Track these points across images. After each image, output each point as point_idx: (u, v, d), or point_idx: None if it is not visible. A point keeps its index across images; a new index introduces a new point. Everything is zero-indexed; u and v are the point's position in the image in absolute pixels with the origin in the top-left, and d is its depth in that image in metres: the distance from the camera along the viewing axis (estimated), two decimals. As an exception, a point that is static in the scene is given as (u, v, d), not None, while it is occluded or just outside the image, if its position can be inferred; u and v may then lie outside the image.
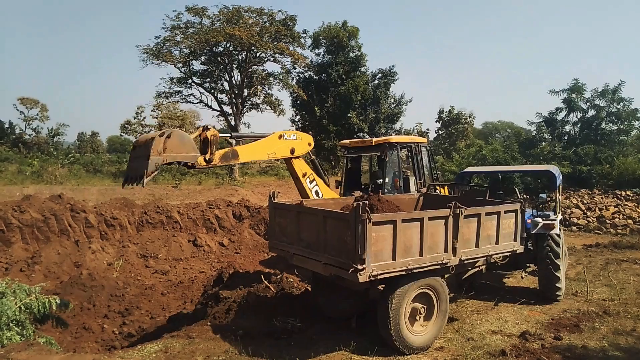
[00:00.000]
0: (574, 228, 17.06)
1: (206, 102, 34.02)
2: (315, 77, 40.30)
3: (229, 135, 8.69)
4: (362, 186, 10.48)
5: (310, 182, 8.39)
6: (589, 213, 17.84)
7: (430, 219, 5.66)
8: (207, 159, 6.81)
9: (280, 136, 7.88)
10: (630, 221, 16.74)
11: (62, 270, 9.66)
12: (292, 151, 8.09)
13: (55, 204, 11.51)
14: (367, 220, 4.95)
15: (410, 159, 10.16)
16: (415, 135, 30.55)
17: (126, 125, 53.27)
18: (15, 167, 30.07)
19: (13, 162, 32.88)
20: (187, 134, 6.61)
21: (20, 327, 5.01)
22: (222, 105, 34.20)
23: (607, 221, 17.04)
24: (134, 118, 52.28)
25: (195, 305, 7.79)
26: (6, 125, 55.67)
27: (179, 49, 31.24)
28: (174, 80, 33.22)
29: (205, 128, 6.86)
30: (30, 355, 4.41)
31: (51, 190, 18.68)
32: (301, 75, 40.01)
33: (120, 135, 61.23)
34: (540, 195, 9.32)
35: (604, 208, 17.86)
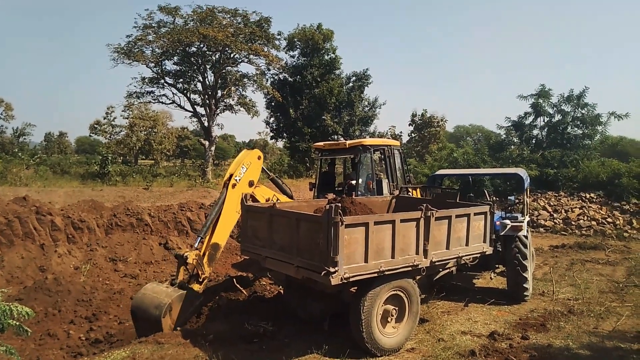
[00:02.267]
0: (541, 229, 17.54)
1: (179, 103, 33.45)
2: (290, 79, 40.21)
3: None
4: (336, 188, 10.52)
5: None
6: (555, 215, 18.36)
7: (402, 221, 5.72)
8: (201, 281, 6.98)
9: (234, 185, 7.59)
10: (594, 222, 17.32)
11: (26, 275, 9.32)
12: (251, 183, 7.93)
13: (19, 207, 11.10)
14: (340, 223, 4.97)
15: (383, 162, 10.26)
16: (389, 138, 30.87)
17: (96, 126, 52.12)
18: (-24, 168, 28.89)
19: (-26, 163, 31.60)
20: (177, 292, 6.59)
21: (-21, 336, 4.80)
22: (195, 107, 33.70)
23: (573, 223, 17.58)
24: (104, 118, 51.29)
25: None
26: (-32, 124, 53.59)
27: (151, 49, 30.61)
28: (146, 80, 32.54)
29: (184, 259, 6.80)
30: (-11, 364, 4.23)
31: (15, 192, 18.00)
32: (276, 77, 39.88)
33: (90, 135, 59.88)
34: (509, 197, 9.54)
35: (570, 210, 18.42)
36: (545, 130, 24.05)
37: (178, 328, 6.26)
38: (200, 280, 6.93)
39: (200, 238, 7.23)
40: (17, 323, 5.23)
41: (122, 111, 47.45)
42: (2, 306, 5.12)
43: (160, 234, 12.48)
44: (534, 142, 24.42)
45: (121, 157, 48.29)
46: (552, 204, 19.20)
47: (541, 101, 23.56)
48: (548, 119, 23.91)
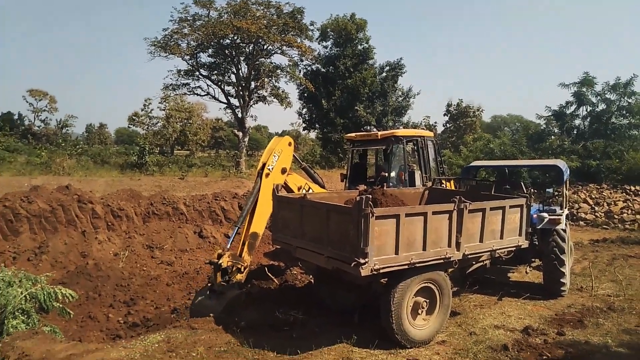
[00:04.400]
0: (582, 223, 16.93)
1: (213, 95, 34.07)
2: (322, 69, 40.17)
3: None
4: (368, 180, 10.46)
5: (307, 191, 8.37)
6: (597, 208, 17.68)
7: (434, 213, 5.64)
8: (242, 271, 7.08)
9: (267, 174, 7.65)
10: (639, 216, 16.57)
11: (69, 260, 9.75)
12: (284, 171, 7.96)
13: (62, 195, 11.59)
14: (370, 214, 4.94)
15: (416, 153, 10.11)
16: (423, 129, 30.43)
17: (134, 117, 53.65)
18: (24, 158, 30.34)
19: (22, 153, 33.19)
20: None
21: (26, 316, 5.07)
22: (229, 98, 34.23)
23: (615, 216, 16.88)
24: (142, 110, 52.73)
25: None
26: (15, 117, 56.27)
27: (186, 42, 31.25)
28: (182, 73, 33.25)
29: (219, 266, 6.80)
30: (35, 343, 4.48)
31: (59, 181, 18.82)
32: (308, 68, 39.93)
33: (128, 127, 61.91)
34: (547, 189, 9.23)
35: (613, 203, 17.69)
36: (588, 120, 23.13)
37: (210, 314, 6.40)
38: (242, 270, 7.04)
39: (232, 236, 7.39)
40: (61, 305, 5.51)
41: (159, 103, 48.73)
42: (48, 289, 5.41)
43: (195, 223, 12.78)
44: (575, 132, 23.55)
45: (158, 148, 49.59)
46: (593, 196, 18.49)
47: (584, 90, 22.64)
48: (591, 108, 22.97)
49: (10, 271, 5.34)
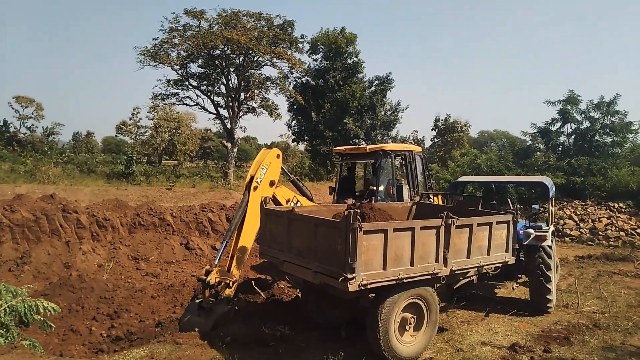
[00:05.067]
0: (567, 239, 17.10)
1: (202, 105, 33.92)
2: (312, 82, 40.36)
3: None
4: (356, 193, 10.47)
5: (295, 204, 8.37)
6: (581, 224, 17.89)
7: (422, 228, 5.66)
8: (231, 286, 7.08)
9: (255, 187, 7.63)
10: (622, 233, 16.80)
11: (52, 271, 9.56)
12: (272, 183, 7.94)
13: (47, 204, 11.40)
14: (358, 229, 4.94)
15: (404, 167, 10.17)
16: (411, 143, 30.67)
17: (122, 126, 53.16)
18: (8, 166, 29.82)
19: (6, 161, 32.67)
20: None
21: (5, 330, 4.93)
22: (219, 109, 34.11)
23: (600, 233, 17.09)
24: (130, 119, 52.29)
25: (184, 310, 7.72)
26: (0, 124, 55.42)
27: (176, 52, 31.16)
28: (171, 82, 33.11)
29: (207, 284, 6.75)
30: (14, 358, 4.35)
31: (44, 189, 18.54)
32: (298, 80, 40.08)
33: (116, 135, 61.16)
34: (533, 206, 9.34)
35: (597, 219, 17.92)
36: (573, 137, 23.50)
37: (195, 329, 6.30)
38: (231, 285, 6.99)
39: (221, 251, 7.33)
40: (42, 318, 5.37)
41: (148, 112, 48.45)
42: (28, 301, 5.27)
43: (181, 234, 12.64)
44: (560, 149, 23.90)
45: (146, 157, 49.19)
46: (578, 213, 18.72)
47: (569, 107, 23.04)
48: (576, 125, 23.37)
49: (-10, 283, 5.20)
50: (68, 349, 6.68)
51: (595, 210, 18.81)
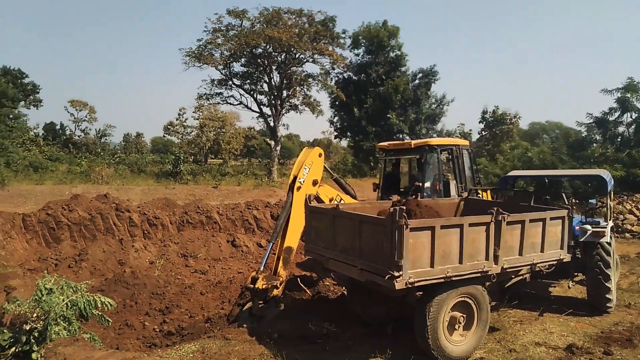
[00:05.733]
0: (628, 235, 16.13)
1: (246, 104, 34.57)
2: (354, 77, 40.17)
3: None
4: (401, 190, 10.30)
5: (338, 202, 8.34)
6: (643, 219, 16.83)
7: (471, 225, 5.48)
8: (279, 286, 7.08)
9: (298, 188, 7.63)
10: (689, 228, 15.67)
11: (107, 268, 10.02)
12: (315, 182, 7.91)
13: (101, 203, 11.97)
14: (404, 226, 4.85)
15: (451, 162, 9.91)
16: (457, 137, 29.91)
17: (169, 127, 55.00)
18: (65, 167, 31.60)
19: (63, 162, 34.58)
20: None
21: (67, 323, 5.21)
22: (262, 107, 34.65)
23: (664, 228, 16.01)
24: (176, 119, 54.03)
25: (232, 306, 7.89)
26: (57, 127, 58.72)
27: (219, 52, 31.88)
28: (215, 82, 33.93)
29: (255, 291, 6.85)
30: (75, 350, 4.58)
31: (98, 189, 19.48)
32: (340, 76, 40.01)
33: (164, 136, 63.41)
34: (590, 200, 8.85)
35: (661, 214, 16.81)
36: (633, 127, 22.15)
37: (244, 325, 6.41)
38: (278, 286, 7.06)
39: (267, 254, 7.42)
40: (100, 313, 5.63)
41: (193, 112, 49.86)
42: (87, 297, 5.54)
43: (228, 232, 12.92)
44: (619, 140, 22.60)
45: (192, 157, 50.64)
46: None
47: (629, 95, 21.71)
48: (636, 114, 21.99)
49: (52, 278, 5.50)
50: (124, 342, 6.98)
51: (658, 204, 17.65)
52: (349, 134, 42.61)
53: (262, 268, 7.24)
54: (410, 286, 5.01)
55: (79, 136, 57.12)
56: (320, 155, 8.08)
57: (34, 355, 4.72)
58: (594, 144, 23.18)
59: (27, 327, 4.92)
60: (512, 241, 5.93)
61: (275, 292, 6.98)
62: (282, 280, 7.16)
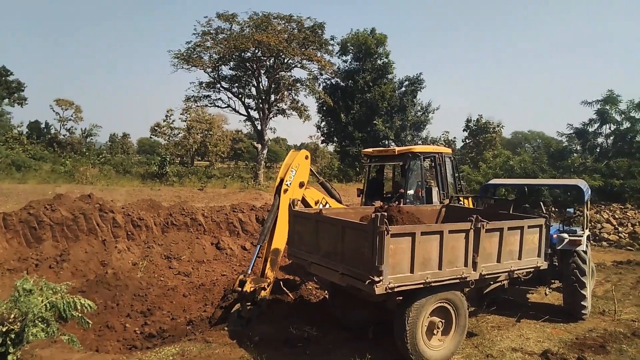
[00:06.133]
0: (604, 243, 16.49)
1: (234, 107, 34.49)
2: (342, 83, 40.39)
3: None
4: (385, 195, 10.43)
5: (323, 206, 8.42)
6: (620, 228, 17.22)
7: (451, 232, 5.59)
8: (266, 288, 7.16)
9: (285, 190, 7.70)
10: (664, 238, 16.08)
11: (89, 269, 9.92)
12: (302, 184, 7.98)
13: (84, 204, 11.85)
14: (385, 232, 4.93)
15: (433, 169, 10.07)
16: (442, 144, 30.26)
17: (156, 128, 54.63)
18: (49, 166, 31.11)
19: (47, 162, 34.03)
20: None
21: (46, 325, 5.18)
22: (249, 110, 34.60)
23: (640, 237, 16.40)
24: (164, 121, 53.68)
25: (214, 309, 7.89)
26: (42, 126, 57.86)
27: (208, 54, 31.79)
28: (203, 85, 33.83)
29: (243, 295, 6.86)
30: (53, 352, 4.57)
31: (82, 189, 19.26)
32: (328, 82, 40.19)
33: (150, 137, 62.92)
34: (568, 209, 9.07)
35: (637, 223, 17.20)
36: (612, 138, 22.69)
37: (225, 328, 6.43)
38: (266, 287, 7.13)
39: (254, 257, 7.49)
40: (80, 315, 5.61)
41: (181, 114, 49.51)
42: (67, 298, 5.52)
43: (212, 234, 12.89)
44: (598, 150, 23.10)
45: (179, 158, 50.34)
46: (617, 216, 18.03)
47: (608, 107, 22.24)
48: (615, 126, 22.54)
49: (32, 279, 5.47)
50: (103, 344, 6.94)
51: (635, 214, 18.07)
52: (335, 139, 42.80)
53: (249, 271, 7.28)
54: (390, 291, 5.09)
55: (64, 135, 56.33)
56: (306, 157, 8.16)
57: (9, 357, 4.69)
58: (574, 154, 23.67)
59: (4, 329, 4.87)
60: (491, 248, 6.06)
61: (263, 293, 7.03)
62: (269, 282, 7.21)
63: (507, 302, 8.54)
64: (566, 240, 7.75)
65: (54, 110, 55.32)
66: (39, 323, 5.10)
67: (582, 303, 7.67)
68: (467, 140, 43.13)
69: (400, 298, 5.66)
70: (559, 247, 7.78)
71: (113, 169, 33.59)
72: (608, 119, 22.39)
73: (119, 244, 10.95)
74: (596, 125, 23.07)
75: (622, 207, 18.86)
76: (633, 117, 21.87)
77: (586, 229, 8.43)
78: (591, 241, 15.91)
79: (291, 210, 6.76)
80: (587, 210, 8.74)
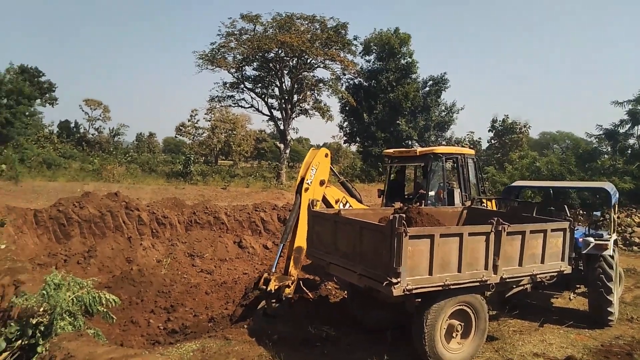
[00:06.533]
0: (635, 248, 15.96)
1: (257, 107, 34.81)
2: (365, 83, 40.24)
3: None
4: (405, 196, 10.37)
5: (344, 205, 8.43)
6: (652, 233, 16.65)
7: (471, 234, 5.55)
8: (290, 285, 7.21)
9: (306, 189, 7.75)
10: (699, 243, 15.48)
11: (115, 265, 10.20)
12: (322, 182, 8.02)
13: (111, 202, 12.17)
14: (404, 234, 4.93)
15: (456, 171, 9.96)
16: (466, 145, 29.82)
17: (181, 127, 55.57)
18: (77, 165, 32.06)
19: (76, 160, 35.07)
20: None
21: (72, 318, 5.35)
22: (272, 110, 34.87)
23: (673, 242, 15.83)
24: (188, 120, 54.58)
25: (236, 306, 8.00)
26: (72, 125, 59.57)
27: (232, 55, 32.18)
28: (227, 85, 34.26)
29: (268, 293, 6.97)
30: (79, 345, 4.71)
31: (109, 187, 19.75)
32: (351, 82, 40.08)
33: (175, 136, 64.03)
34: (594, 213, 8.83)
35: (669, 228, 16.61)
36: (644, 139, 21.97)
37: (245, 326, 6.53)
38: (290, 285, 7.21)
39: (278, 256, 7.60)
40: (105, 310, 5.78)
41: (205, 114, 50.25)
42: (93, 293, 5.68)
43: (235, 233, 13.06)
44: (629, 152, 22.38)
45: (203, 158, 51.10)
46: (648, 220, 17.43)
47: (640, 108, 21.56)
48: (648, 127, 21.83)
49: (60, 274, 5.65)
50: (128, 339, 7.13)
51: (668, 217, 17.45)
52: (358, 139, 42.66)
53: (273, 270, 7.38)
54: (407, 293, 5.08)
55: (92, 134, 58.00)
56: (326, 155, 8.20)
57: (39, 349, 4.86)
58: (604, 156, 23.01)
59: (34, 321, 5.06)
60: (512, 251, 5.98)
61: (287, 290, 7.11)
62: (293, 280, 7.29)
63: (530, 307, 8.39)
64: (592, 244, 7.56)
65: (83, 110, 57.18)
66: (67, 317, 5.26)
67: (609, 309, 7.48)
68: (492, 140, 42.43)
69: (419, 300, 5.64)
70: (584, 251, 7.59)
71: (139, 168, 34.35)
72: (640, 120, 21.71)
73: (144, 242, 11.22)
74: (627, 126, 22.37)
75: (654, 210, 18.24)
76: (666, 118, 21.14)
77: (614, 232, 8.21)
78: (620, 246, 15.45)
79: (310, 210, 6.81)
80: (615, 213, 8.51)
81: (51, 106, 52.86)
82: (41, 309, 5.18)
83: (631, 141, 22.53)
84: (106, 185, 22.05)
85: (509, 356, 6.16)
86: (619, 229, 15.62)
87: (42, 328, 5.04)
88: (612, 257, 7.59)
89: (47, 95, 50.87)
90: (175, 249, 11.38)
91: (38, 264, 9.61)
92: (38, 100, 47.43)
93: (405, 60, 40.00)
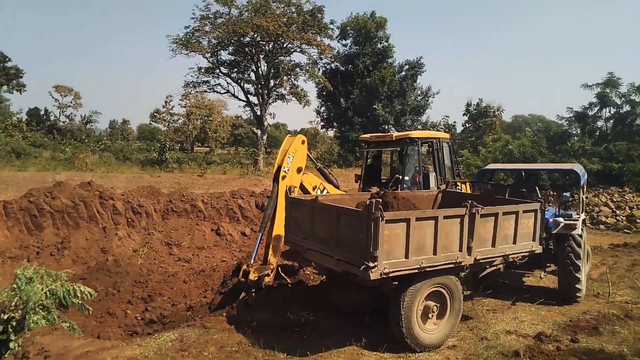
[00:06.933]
0: (602, 227, 16.56)
1: (233, 92, 34.39)
2: (341, 68, 40.13)
3: None
4: (382, 181, 10.46)
5: (321, 191, 8.46)
6: (618, 212, 17.30)
7: (445, 217, 5.64)
8: (270, 274, 7.24)
9: (283, 177, 7.72)
10: (662, 221, 16.16)
11: (90, 256, 10.03)
12: (299, 170, 8.00)
13: (84, 191, 11.92)
14: (380, 218, 4.98)
15: (431, 155, 10.09)
16: (442, 129, 30.17)
17: (155, 114, 54.48)
18: (48, 154, 31.15)
19: (47, 149, 34.09)
20: None
21: (46, 312, 5.27)
22: (249, 96, 34.50)
23: (638, 220, 16.48)
24: (163, 107, 53.53)
25: (214, 294, 7.99)
26: (42, 112, 57.73)
27: (207, 39, 31.59)
28: (202, 70, 33.69)
29: (249, 284, 6.99)
30: (54, 339, 4.65)
31: (82, 177, 19.32)
32: (327, 66, 39.96)
33: (150, 123, 62.76)
34: (564, 193, 9.10)
35: (635, 207, 17.29)
36: (611, 122, 22.67)
37: (224, 314, 6.53)
38: (269, 274, 7.22)
39: (257, 246, 7.61)
40: (80, 302, 5.70)
41: (180, 100, 49.49)
42: (67, 286, 5.59)
43: (212, 220, 12.99)
44: (597, 134, 23.08)
45: (178, 145, 50.35)
46: (615, 200, 18.10)
47: (608, 91, 22.15)
48: (615, 110, 22.49)
49: (32, 267, 5.54)
50: (105, 331, 7.05)
51: (633, 197, 18.14)
52: (335, 124, 42.68)
53: (252, 261, 7.38)
54: (385, 277, 5.16)
55: (63, 122, 56.27)
56: (303, 142, 8.17)
57: (11, 345, 4.78)
58: (574, 138, 23.65)
59: (5, 317, 4.94)
60: (486, 233, 6.11)
61: (267, 279, 7.13)
62: (272, 268, 7.31)
63: (502, 286, 8.63)
64: (561, 224, 7.80)
65: (53, 97, 55.24)
66: (40, 310, 5.18)
67: (577, 286, 7.76)
68: (467, 124, 43.05)
69: (396, 283, 5.74)
70: (554, 231, 7.83)
71: (113, 156, 33.63)
72: (608, 102, 22.35)
73: (119, 231, 11.05)
74: (596, 109, 23.06)
75: (621, 190, 18.93)
76: (633, 100, 21.82)
77: (582, 212, 8.48)
78: (588, 225, 16.01)
79: (287, 196, 6.81)
80: (583, 194, 8.78)
81: (19, 93, 51.21)
82: (12, 304, 5.07)
83: (599, 123, 23.22)
84: (79, 175, 21.54)
85: (483, 334, 6.33)
86: (587, 208, 16.14)
87: (14, 323, 4.94)
88: (580, 236, 7.85)
89: (14, 81, 49.12)
90: (152, 238, 11.25)
91: (9, 257, 9.39)
92: (5, 87, 45.77)
93: (382, 45, 40.02)
